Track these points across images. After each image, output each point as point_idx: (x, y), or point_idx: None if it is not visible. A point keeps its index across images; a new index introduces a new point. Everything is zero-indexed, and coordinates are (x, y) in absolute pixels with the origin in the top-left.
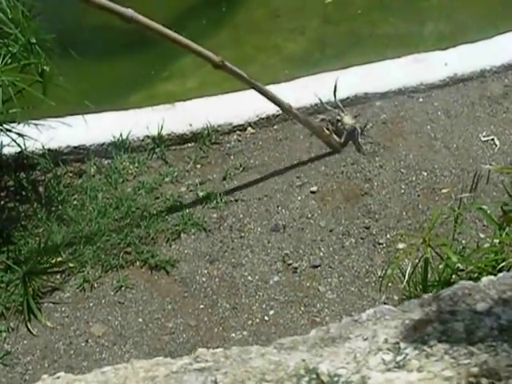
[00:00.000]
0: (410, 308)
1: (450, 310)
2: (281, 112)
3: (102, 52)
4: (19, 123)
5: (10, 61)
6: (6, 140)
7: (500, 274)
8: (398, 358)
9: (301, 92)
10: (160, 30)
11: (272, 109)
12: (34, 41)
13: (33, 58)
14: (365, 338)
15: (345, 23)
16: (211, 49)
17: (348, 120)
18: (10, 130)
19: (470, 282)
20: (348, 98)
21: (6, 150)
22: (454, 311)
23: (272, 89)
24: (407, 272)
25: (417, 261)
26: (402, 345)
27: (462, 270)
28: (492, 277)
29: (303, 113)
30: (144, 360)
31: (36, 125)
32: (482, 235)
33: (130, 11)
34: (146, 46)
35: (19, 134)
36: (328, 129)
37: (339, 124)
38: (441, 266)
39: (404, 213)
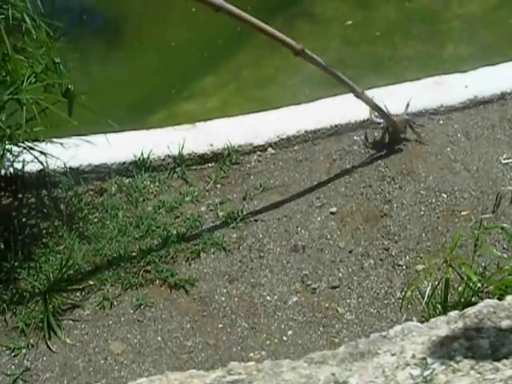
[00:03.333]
0: (436, 325)
1: (476, 327)
2: (301, 132)
3: (125, 71)
4: (42, 141)
5: (34, 80)
6: (28, 158)
7: None
8: (426, 373)
9: (321, 113)
10: (248, 18)
11: (292, 129)
12: (58, 60)
13: (57, 77)
14: (393, 353)
15: (364, 45)
16: (231, 71)
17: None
18: (32, 148)
19: (495, 301)
20: (368, 119)
21: (28, 168)
22: (480, 328)
23: (293, 110)
24: (427, 293)
25: (436, 282)
26: (429, 360)
27: (483, 291)
28: None
29: (323, 134)
30: (178, 372)
31: (58, 143)
32: (503, 255)
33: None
34: (167, 65)
35: (42, 152)
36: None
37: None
38: (460, 288)
39: (423, 235)
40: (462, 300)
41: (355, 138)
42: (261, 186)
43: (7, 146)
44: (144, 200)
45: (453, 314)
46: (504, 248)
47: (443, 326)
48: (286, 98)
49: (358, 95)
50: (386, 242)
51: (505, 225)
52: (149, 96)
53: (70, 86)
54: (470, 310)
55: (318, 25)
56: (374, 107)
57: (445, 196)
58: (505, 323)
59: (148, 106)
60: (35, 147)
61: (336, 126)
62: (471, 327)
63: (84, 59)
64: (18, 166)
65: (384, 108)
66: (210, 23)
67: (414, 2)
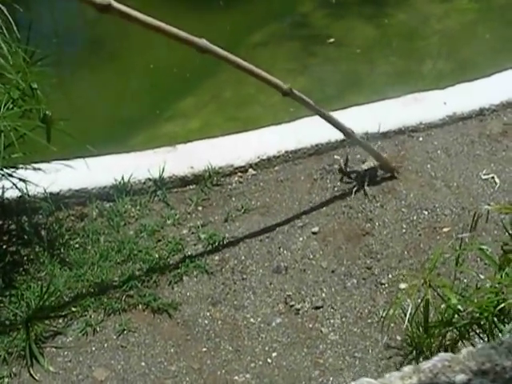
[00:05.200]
0: (390, 381)
1: (430, 383)
2: (282, 153)
3: (104, 93)
4: (21, 168)
5: (11, 106)
6: (8, 184)
7: (479, 345)
8: None
9: (302, 133)
10: (233, 59)
11: (273, 150)
12: (35, 86)
13: (34, 102)
14: None
15: (344, 62)
16: (211, 91)
17: (367, 164)
18: (11, 175)
19: (450, 354)
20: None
21: (8, 194)
22: None
23: (273, 130)
24: (408, 313)
25: (419, 301)
26: None
27: (464, 311)
28: (471, 348)
29: (304, 154)
30: None
31: (38, 169)
32: (482, 276)
33: (203, 41)
34: (147, 87)
35: (21, 179)
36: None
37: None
38: (443, 306)
39: (406, 252)
40: (443, 320)
41: (336, 157)
42: (242, 207)
43: None
44: (125, 224)
45: (407, 368)
46: (486, 264)
47: (397, 381)
48: (266, 118)
49: (348, 135)
50: (368, 261)
51: (483, 246)
52: (129, 118)
53: (47, 112)
54: (425, 365)
55: (297, 42)
56: (365, 147)
57: (426, 213)
58: (459, 378)
59: (128, 129)
60: (14, 174)
61: (317, 145)
62: (426, 382)
63: (62, 83)
64: None
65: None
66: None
67: (393, 18)
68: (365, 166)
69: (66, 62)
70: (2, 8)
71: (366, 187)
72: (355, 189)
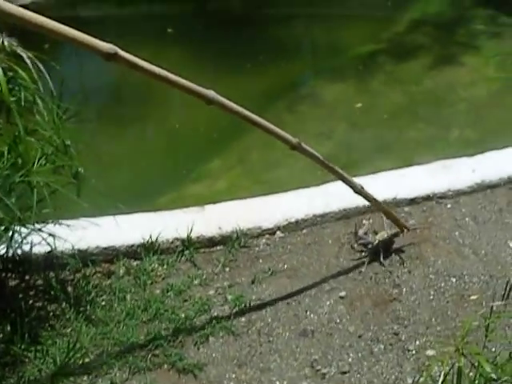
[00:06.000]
0: None
1: None
2: (310, 216)
3: (131, 151)
4: (50, 223)
5: (44, 162)
6: (36, 239)
7: None
8: None
9: (330, 196)
10: (241, 112)
11: (301, 213)
12: (68, 142)
13: (67, 159)
14: None
15: (372, 128)
16: (238, 153)
17: (380, 235)
18: (41, 230)
19: None
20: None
21: (36, 249)
22: None
23: (301, 193)
24: (439, 382)
25: (447, 368)
26: None
27: (496, 380)
28: None
29: (332, 218)
30: None
31: (66, 225)
32: None
33: (211, 92)
34: (174, 147)
35: (50, 234)
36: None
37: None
38: (471, 374)
39: (433, 319)
40: None
41: (364, 221)
42: (269, 269)
43: (16, 228)
44: (152, 283)
45: None
46: None
47: None
48: (294, 181)
49: (358, 191)
50: (395, 327)
51: None
52: (156, 178)
53: (79, 169)
54: None
55: (323, 108)
56: (375, 203)
57: (454, 280)
58: None
59: (156, 188)
60: (43, 229)
61: (345, 209)
62: None
63: (93, 141)
64: (26, 247)
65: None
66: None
67: (420, 85)
68: (379, 237)
69: (95, 119)
70: (39, 64)
71: (381, 259)
72: (367, 261)
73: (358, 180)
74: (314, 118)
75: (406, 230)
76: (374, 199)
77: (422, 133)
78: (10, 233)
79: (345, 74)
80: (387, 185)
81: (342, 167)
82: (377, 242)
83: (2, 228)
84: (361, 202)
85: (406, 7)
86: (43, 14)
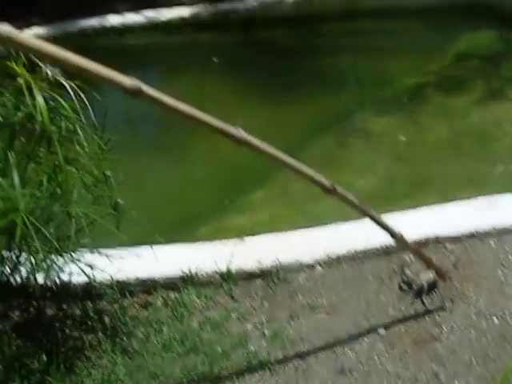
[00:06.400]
0: None
1: None
2: (351, 251)
3: (173, 181)
4: (89, 252)
5: (84, 192)
6: (74, 269)
7: None
8: None
9: (371, 232)
10: (272, 153)
11: (341, 248)
12: (108, 173)
13: (106, 189)
14: None
15: (415, 161)
16: (281, 184)
17: (423, 276)
18: (79, 260)
19: None
20: (419, 240)
21: (74, 279)
22: None
23: (342, 227)
24: None
25: None
26: None
27: None
28: None
29: (373, 253)
30: None
31: (105, 255)
32: None
33: (240, 132)
34: (216, 178)
35: (88, 265)
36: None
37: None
38: None
39: (473, 360)
40: None
41: (405, 257)
42: (308, 304)
43: (54, 258)
44: (190, 315)
45: None
46: None
47: None
48: (335, 214)
49: (398, 240)
50: (435, 367)
51: None
52: (198, 208)
53: (119, 200)
54: None
55: (367, 141)
56: (415, 251)
57: (496, 320)
58: None
59: (197, 219)
60: (82, 259)
61: (386, 245)
62: None
63: (134, 170)
64: (65, 276)
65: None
66: (258, 136)
67: (466, 119)
68: (423, 278)
69: (139, 149)
70: (82, 95)
71: (423, 299)
72: (410, 300)
73: (399, 215)
74: (357, 151)
75: (447, 279)
76: (416, 248)
77: (466, 167)
78: (48, 262)
79: (390, 107)
80: (429, 220)
81: (386, 201)
82: (422, 283)
83: (40, 257)
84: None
85: (453, 40)
86: (91, 42)
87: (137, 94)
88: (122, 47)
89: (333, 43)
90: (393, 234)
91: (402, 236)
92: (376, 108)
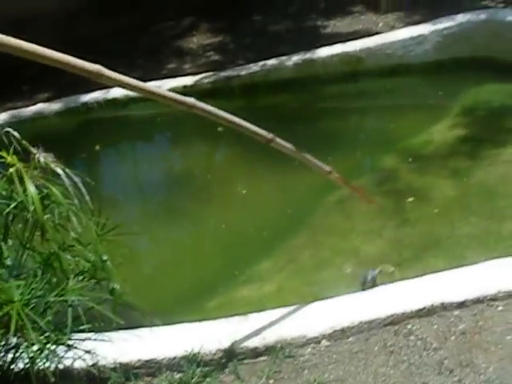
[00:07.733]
0: None
1: None
2: (356, 323)
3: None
4: (89, 338)
5: (80, 278)
6: (77, 353)
7: None
8: None
9: (377, 301)
10: (219, 114)
11: (347, 320)
12: (105, 258)
13: (104, 274)
14: None
15: (423, 223)
16: (288, 253)
17: None
18: (76, 348)
19: None
20: (424, 307)
21: (77, 364)
22: None
23: (348, 298)
24: None
25: None
26: None
27: None
28: None
29: (379, 324)
30: None
31: (107, 339)
32: None
33: (191, 99)
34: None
35: (87, 351)
36: None
37: None
38: None
39: None
40: None
41: (413, 327)
42: (315, 380)
43: (53, 347)
44: None
45: None
46: None
47: None
48: (342, 282)
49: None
50: None
51: None
52: (205, 281)
53: (115, 286)
54: None
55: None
56: (342, 181)
57: None
58: None
59: (204, 292)
60: (81, 345)
61: (392, 315)
62: None
63: (134, 248)
64: (67, 361)
65: None
66: (263, 205)
67: (473, 177)
68: None
69: (144, 217)
70: (76, 180)
71: None
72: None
73: (407, 282)
74: (363, 214)
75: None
76: (345, 180)
77: (474, 227)
78: (46, 352)
79: (395, 168)
80: (435, 286)
81: (393, 265)
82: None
83: (36, 349)
84: (408, 307)
85: (457, 95)
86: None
87: (98, 77)
88: (126, 119)
89: (335, 105)
90: (325, 171)
91: (331, 172)
92: (380, 169)
